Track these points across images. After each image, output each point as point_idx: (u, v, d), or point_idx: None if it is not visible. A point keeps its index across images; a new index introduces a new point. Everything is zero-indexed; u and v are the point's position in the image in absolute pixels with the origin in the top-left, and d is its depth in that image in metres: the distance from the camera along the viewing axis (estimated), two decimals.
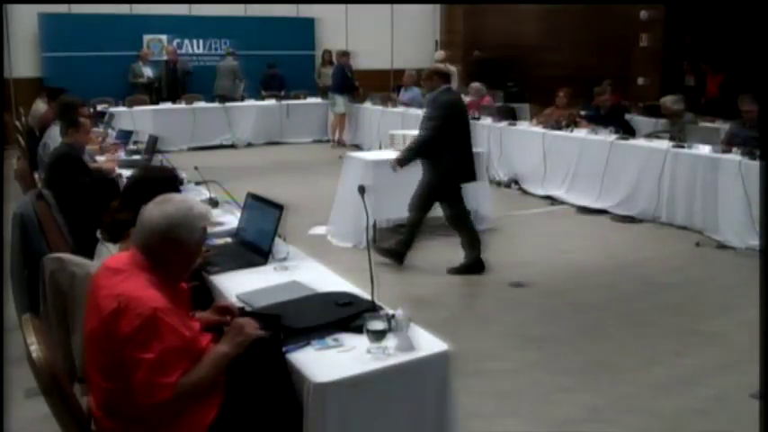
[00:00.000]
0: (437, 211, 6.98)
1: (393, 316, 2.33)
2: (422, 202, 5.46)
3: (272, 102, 12.53)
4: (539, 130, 8.53)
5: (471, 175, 5.48)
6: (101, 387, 2.14)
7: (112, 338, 2.05)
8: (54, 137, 5.43)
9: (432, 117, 5.23)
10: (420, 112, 10.45)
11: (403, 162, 5.36)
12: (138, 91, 12.10)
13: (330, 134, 12.31)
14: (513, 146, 8.81)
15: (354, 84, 12.17)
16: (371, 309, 2.52)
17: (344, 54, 12.10)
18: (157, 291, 2.12)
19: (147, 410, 2.05)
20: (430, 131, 5.19)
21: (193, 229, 2.24)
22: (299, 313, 2.53)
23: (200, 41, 13.67)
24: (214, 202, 4.43)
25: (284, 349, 2.27)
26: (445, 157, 5.25)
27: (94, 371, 2.16)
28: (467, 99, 10.51)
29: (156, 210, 2.22)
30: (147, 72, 12.44)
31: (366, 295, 2.62)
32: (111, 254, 2.73)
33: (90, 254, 3.02)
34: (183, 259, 2.26)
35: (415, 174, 6.42)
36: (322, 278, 3.02)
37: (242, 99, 12.48)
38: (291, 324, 2.39)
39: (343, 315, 2.50)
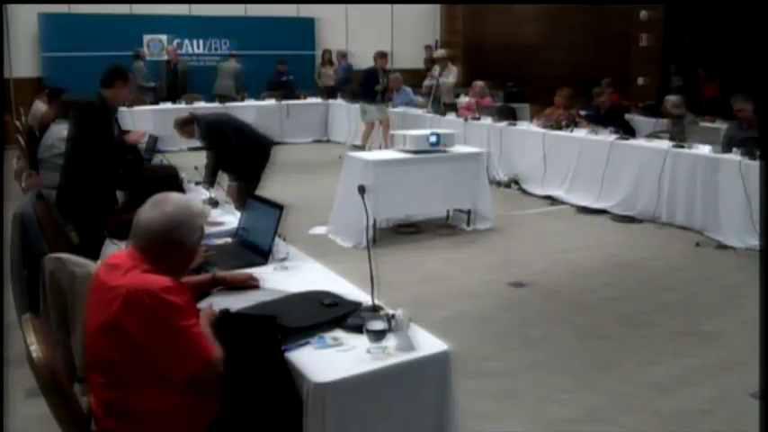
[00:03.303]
0: (438, 212, 7.01)
1: (393, 316, 2.33)
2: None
3: (272, 102, 12.54)
4: (539, 130, 8.52)
5: (263, 161, 6.09)
6: (101, 386, 2.14)
7: (131, 327, 2.03)
8: (56, 136, 5.40)
9: (208, 144, 5.86)
10: (420, 112, 10.54)
11: (210, 184, 5.49)
12: (143, 93, 12.02)
13: (362, 141, 10.94)
14: (513, 146, 8.81)
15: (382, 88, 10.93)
16: (356, 309, 2.53)
17: (383, 56, 10.78)
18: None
19: (201, 371, 2.07)
20: (212, 158, 5.75)
21: (194, 229, 2.25)
22: (287, 313, 2.52)
23: (200, 41, 13.68)
24: (214, 202, 4.44)
25: (283, 348, 2.28)
26: (240, 163, 5.82)
27: (96, 370, 2.16)
28: (466, 99, 10.53)
29: (156, 211, 2.21)
30: (145, 72, 12.37)
31: (366, 295, 2.62)
32: (120, 250, 2.73)
33: (93, 252, 3.02)
34: (183, 258, 2.27)
35: (417, 175, 6.45)
36: (322, 278, 3.01)
37: (242, 99, 12.49)
38: (286, 324, 2.39)
39: (332, 316, 2.50)
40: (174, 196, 2.32)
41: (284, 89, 13.01)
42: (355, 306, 2.57)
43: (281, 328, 2.34)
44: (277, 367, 2.22)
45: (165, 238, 2.18)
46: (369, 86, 10.58)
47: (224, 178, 5.86)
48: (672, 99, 8.18)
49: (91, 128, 4.49)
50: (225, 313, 2.40)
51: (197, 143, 6.05)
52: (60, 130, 5.36)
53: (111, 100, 4.62)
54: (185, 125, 5.82)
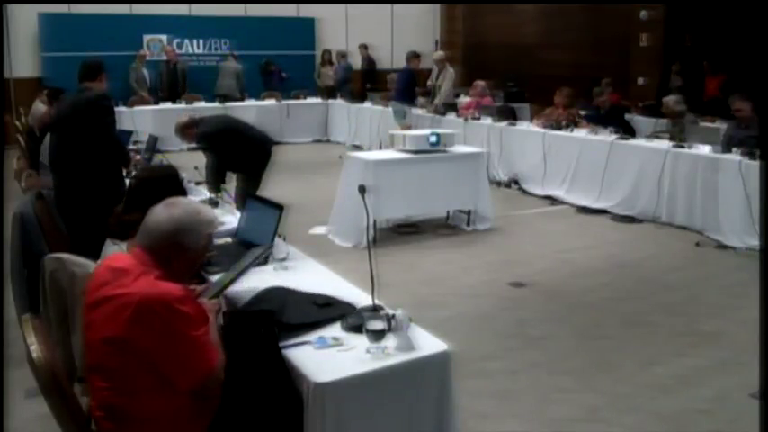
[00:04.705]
0: (438, 212, 7.01)
1: (393, 316, 2.33)
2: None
3: (272, 102, 12.54)
4: (539, 130, 8.52)
5: (264, 162, 6.07)
6: (102, 389, 2.13)
7: (141, 336, 2.03)
8: None
9: (207, 148, 5.81)
10: (420, 112, 10.51)
11: (216, 187, 5.42)
12: (139, 92, 12.03)
13: None
14: (513, 146, 8.81)
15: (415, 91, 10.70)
16: (350, 312, 2.55)
17: (416, 56, 10.57)
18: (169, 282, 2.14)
19: (206, 381, 2.09)
20: (214, 159, 5.69)
21: (200, 235, 2.24)
22: (282, 310, 2.56)
23: (200, 41, 13.67)
24: (214, 203, 4.44)
25: (280, 344, 2.29)
26: (242, 163, 5.88)
27: (98, 374, 2.15)
28: (467, 99, 10.52)
29: (165, 213, 2.21)
30: (146, 75, 12.34)
31: (366, 295, 2.62)
32: (122, 251, 2.73)
33: (93, 252, 3.02)
34: (185, 264, 2.25)
35: (417, 175, 6.45)
36: (322, 278, 3.02)
37: (242, 99, 12.50)
38: (283, 320, 2.43)
39: (328, 315, 2.53)
40: (186, 201, 2.34)
41: (278, 88, 13.00)
42: (350, 308, 2.59)
43: (278, 323, 2.35)
44: (275, 361, 2.23)
45: (169, 240, 2.18)
46: (409, 88, 10.32)
47: (231, 179, 5.85)
48: (672, 98, 8.18)
49: (111, 119, 4.56)
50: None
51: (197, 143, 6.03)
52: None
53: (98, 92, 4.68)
54: (186, 129, 5.78)
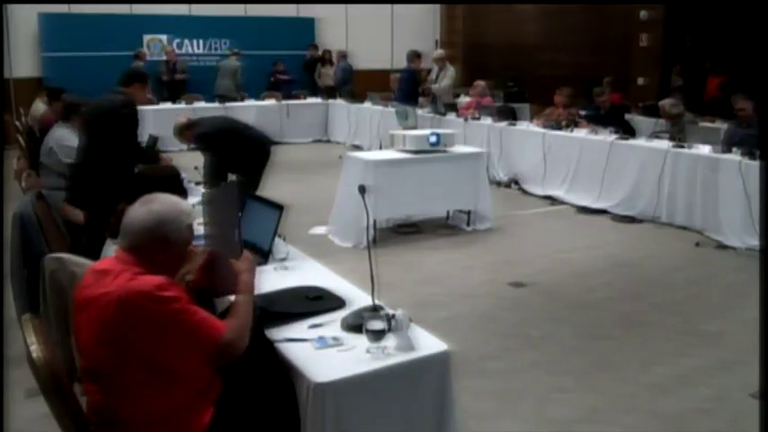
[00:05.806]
0: (438, 212, 7.01)
1: (393, 316, 2.33)
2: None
3: (272, 102, 12.54)
4: (539, 130, 8.52)
5: (264, 162, 6.09)
6: (95, 393, 2.12)
7: (129, 333, 2.01)
8: (58, 139, 5.35)
9: (205, 149, 5.85)
10: (420, 112, 10.51)
11: (214, 185, 5.49)
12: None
13: None
14: (513, 146, 8.81)
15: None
16: (341, 306, 2.63)
17: (418, 56, 10.56)
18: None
19: (216, 354, 2.07)
20: (213, 159, 5.74)
21: (181, 226, 2.22)
22: (272, 301, 2.63)
23: (200, 41, 13.69)
24: None
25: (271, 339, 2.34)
26: (241, 163, 5.85)
27: (90, 377, 2.13)
28: (467, 99, 10.52)
29: (143, 209, 2.20)
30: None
31: (366, 295, 2.62)
32: None
33: (93, 252, 3.02)
34: (171, 258, 2.23)
35: (417, 175, 6.45)
36: (322, 278, 3.02)
37: (242, 99, 12.50)
38: (267, 307, 2.50)
39: (314, 309, 2.61)
40: (162, 195, 2.30)
41: (284, 90, 13.02)
42: (340, 302, 2.68)
43: (262, 310, 2.41)
44: (260, 341, 2.26)
45: (151, 234, 2.16)
46: (412, 89, 10.30)
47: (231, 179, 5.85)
48: (668, 101, 8.17)
49: (125, 129, 4.60)
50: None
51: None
52: (62, 135, 5.34)
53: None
54: (185, 130, 5.79)
